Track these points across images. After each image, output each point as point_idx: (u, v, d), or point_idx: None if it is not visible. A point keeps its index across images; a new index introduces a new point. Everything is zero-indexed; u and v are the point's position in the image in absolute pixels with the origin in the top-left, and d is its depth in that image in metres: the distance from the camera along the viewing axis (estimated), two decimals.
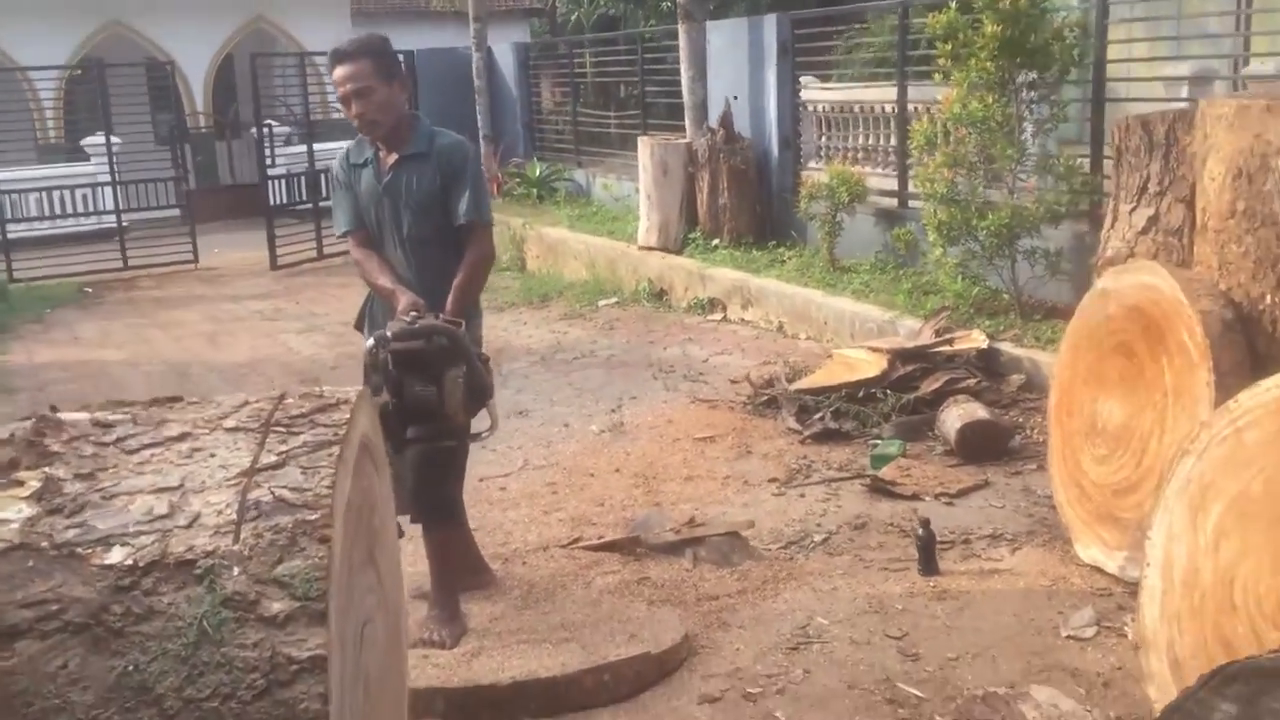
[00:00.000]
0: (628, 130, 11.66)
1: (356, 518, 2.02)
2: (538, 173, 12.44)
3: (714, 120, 9.51)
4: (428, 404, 3.23)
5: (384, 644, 2.24)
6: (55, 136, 16.24)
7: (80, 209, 13.59)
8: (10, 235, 12.25)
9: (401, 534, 2.62)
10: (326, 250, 12.35)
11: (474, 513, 4.52)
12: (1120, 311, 3.90)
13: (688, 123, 9.85)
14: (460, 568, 3.82)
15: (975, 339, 6.09)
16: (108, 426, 1.96)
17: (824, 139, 9.26)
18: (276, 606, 1.68)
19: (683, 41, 9.87)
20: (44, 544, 1.73)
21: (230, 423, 1.97)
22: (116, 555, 1.71)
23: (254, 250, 12.86)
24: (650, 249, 9.57)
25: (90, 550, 1.72)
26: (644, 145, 9.68)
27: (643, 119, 11.35)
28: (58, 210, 13.50)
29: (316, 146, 12.52)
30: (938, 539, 4.19)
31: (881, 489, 4.79)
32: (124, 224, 12.92)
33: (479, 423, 3.60)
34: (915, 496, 4.70)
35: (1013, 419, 5.49)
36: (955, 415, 5.20)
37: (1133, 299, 3.85)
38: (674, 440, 5.67)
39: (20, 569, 1.70)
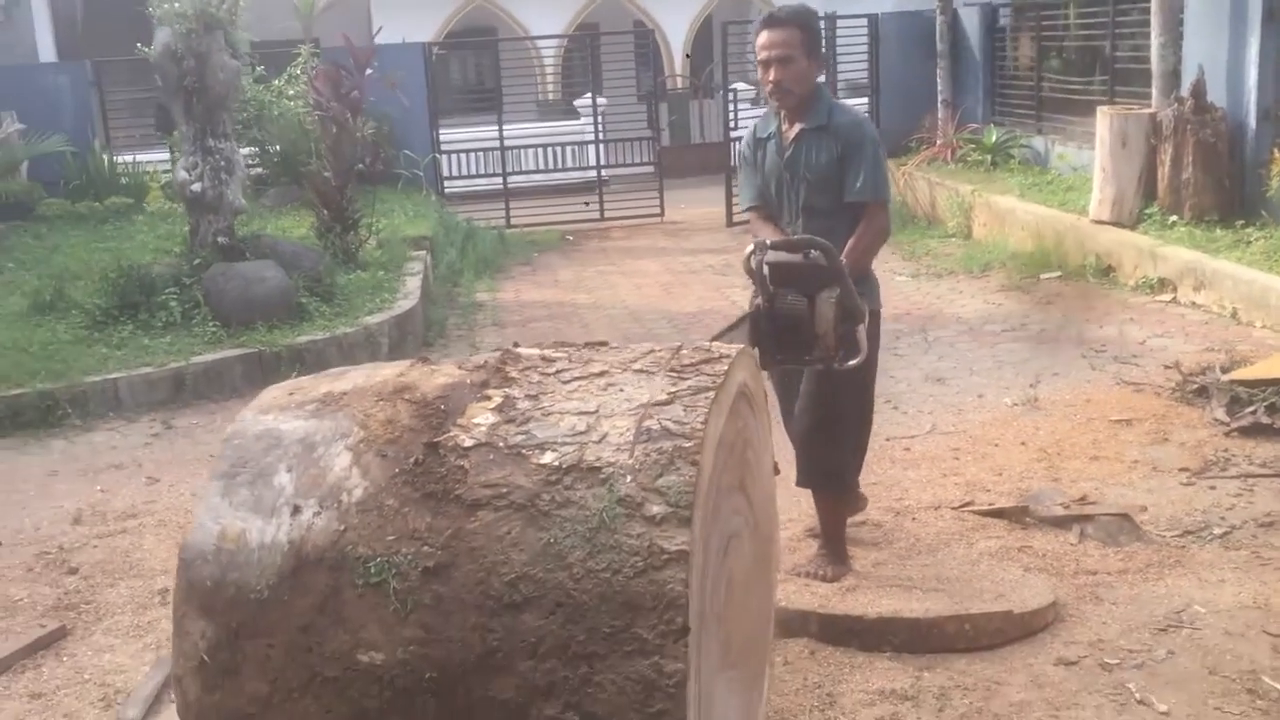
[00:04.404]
0: (1094, 97, 11.24)
1: (728, 451, 2.48)
2: (993, 139, 12.29)
3: (1185, 89, 9.00)
4: (798, 315, 3.29)
5: (750, 559, 2.70)
6: (553, 95, 18.18)
7: (569, 163, 15.21)
8: (510, 184, 13.97)
9: (777, 471, 3.01)
10: None
11: (874, 469, 4.88)
12: None
13: (1154, 91, 9.38)
14: (848, 515, 4.19)
15: None
16: (551, 361, 2.55)
17: None
18: (655, 509, 2.17)
19: (1155, 3, 9.38)
20: (500, 444, 2.33)
21: (638, 366, 2.49)
22: (549, 457, 2.28)
23: (715, 206, 13.75)
24: (1102, 223, 9.28)
25: (531, 452, 2.30)
26: (1102, 116, 9.37)
27: (1110, 84, 10.91)
28: (550, 164, 15.15)
29: None
30: None
31: None
32: (604, 177, 14.33)
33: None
34: None
35: None
36: None
37: None
38: (1088, 420, 5.66)
39: (484, 460, 2.31)
